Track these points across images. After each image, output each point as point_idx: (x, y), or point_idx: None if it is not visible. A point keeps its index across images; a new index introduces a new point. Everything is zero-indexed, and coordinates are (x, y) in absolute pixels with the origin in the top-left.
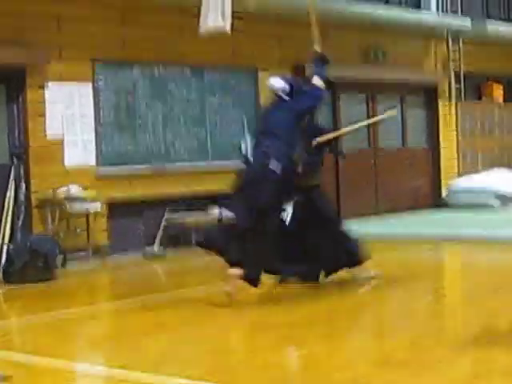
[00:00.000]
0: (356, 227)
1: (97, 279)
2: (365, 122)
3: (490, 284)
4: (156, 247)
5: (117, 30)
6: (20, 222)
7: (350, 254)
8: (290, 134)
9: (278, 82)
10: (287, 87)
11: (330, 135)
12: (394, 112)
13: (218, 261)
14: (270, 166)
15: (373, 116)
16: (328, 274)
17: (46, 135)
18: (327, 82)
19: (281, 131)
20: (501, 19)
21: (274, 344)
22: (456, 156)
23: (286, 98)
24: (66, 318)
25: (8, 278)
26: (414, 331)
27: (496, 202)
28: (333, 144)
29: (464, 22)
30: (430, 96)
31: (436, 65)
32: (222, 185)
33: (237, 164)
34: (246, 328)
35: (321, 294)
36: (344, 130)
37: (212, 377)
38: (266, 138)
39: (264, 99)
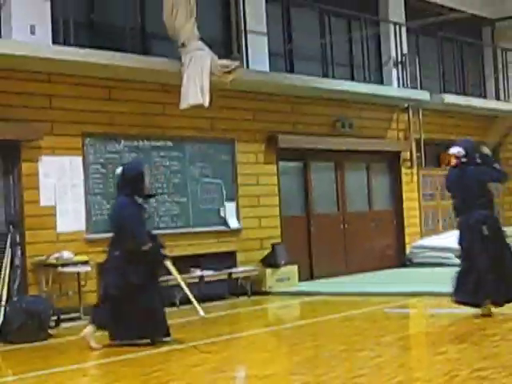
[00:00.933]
0: (327, 286)
1: None
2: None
3: (453, 335)
4: None
5: (104, 107)
6: (16, 285)
7: None
8: None
9: None
10: None
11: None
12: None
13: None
14: None
15: (340, 183)
16: None
17: (39, 205)
18: None
19: None
20: (456, 92)
21: None
22: (418, 217)
23: None
24: (59, 375)
25: (5, 337)
26: (382, 382)
27: (457, 260)
28: None
29: (423, 96)
30: (393, 163)
31: (398, 134)
32: (203, 247)
33: (216, 228)
34: (229, 380)
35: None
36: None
37: None
38: None
39: (240, 168)
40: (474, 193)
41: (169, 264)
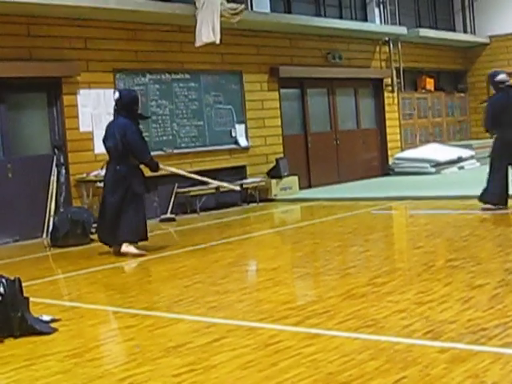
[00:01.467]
0: (323, 193)
1: None
2: (213, 182)
3: (429, 232)
4: (169, 214)
5: (131, 47)
6: (62, 199)
7: None
8: None
9: None
10: None
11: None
12: (238, 188)
13: (214, 224)
14: None
15: (333, 106)
16: None
17: (79, 130)
18: None
19: None
20: (430, 27)
21: (263, 285)
22: (399, 134)
23: None
24: (101, 272)
25: (54, 243)
26: (370, 271)
27: (432, 169)
28: None
29: (401, 30)
30: (377, 88)
31: (381, 64)
32: (217, 163)
33: (229, 147)
34: (243, 272)
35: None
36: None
37: (213, 313)
38: None
39: (247, 96)
40: None
41: (169, 168)
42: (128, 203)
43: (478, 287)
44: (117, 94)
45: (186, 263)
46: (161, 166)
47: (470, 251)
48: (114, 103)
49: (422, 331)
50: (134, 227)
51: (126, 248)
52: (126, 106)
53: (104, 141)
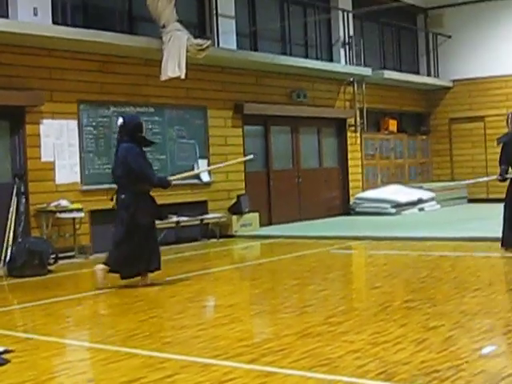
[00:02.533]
0: (284, 230)
1: (81, 273)
2: (228, 163)
3: (387, 272)
4: None
5: (96, 78)
6: (21, 228)
7: None
8: None
9: None
10: None
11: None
12: (251, 156)
13: (173, 259)
14: None
15: (296, 144)
16: None
17: (41, 160)
18: None
19: None
20: (394, 69)
21: (219, 322)
22: (360, 174)
23: None
24: (57, 304)
25: (11, 273)
26: (327, 310)
27: (392, 210)
28: None
29: (366, 71)
30: (340, 128)
31: (345, 104)
32: (178, 198)
33: (191, 181)
34: (200, 308)
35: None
36: (199, 170)
37: (168, 348)
38: None
39: (211, 131)
40: None
41: (180, 175)
42: (132, 234)
43: (432, 329)
44: (120, 120)
45: (143, 297)
46: (171, 181)
47: (427, 293)
48: (117, 129)
49: (375, 372)
50: (123, 258)
51: (100, 270)
52: (130, 132)
53: (112, 170)
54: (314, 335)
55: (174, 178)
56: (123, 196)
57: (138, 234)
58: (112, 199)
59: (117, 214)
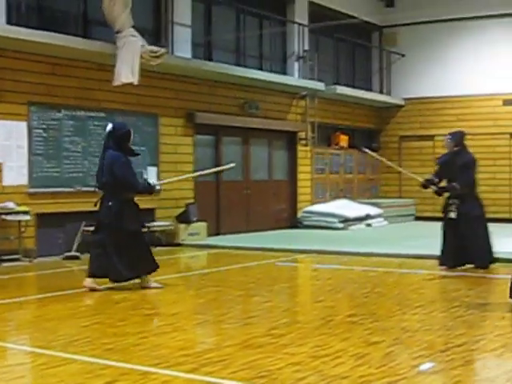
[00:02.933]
0: (231, 241)
1: (26, 276)
2: (210, 170)
3: (331, 286)
4: (73, 251)
5: (48, 80)
6: None
7: None
8: None
9: None
10: None
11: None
12: (233, 165)
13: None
14: None
15: (246, 155)
16: None
17: None
18: None
19: None
20: (347, 85)
21: (161, 330)
22: (310, 187)
23: None
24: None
25: None
26: (269, 322)
27: (340, 225)
28: None
29: (319, 86)
30: (291, 141)
31: (296, 117)
32: None
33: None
34: (143, 316)
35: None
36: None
37: (109, 355)
38: None
39: (162, 139)
40: None
41: (166, 180)
42: (124, 241)
43: (373, 344)
44: (110, 126)
45: (87, 303)
46: (156, 186)
47: (370, 308)
48: (105, 135)
49: None
50: (134, 264)
51: (90, 284)
52: (117, 140)
53: (97, 175)
54: (256, 347)
55: (160, 183)
56: (110, 203)
57: (128, 239)
58: (96, 205)
59: (100, 220)
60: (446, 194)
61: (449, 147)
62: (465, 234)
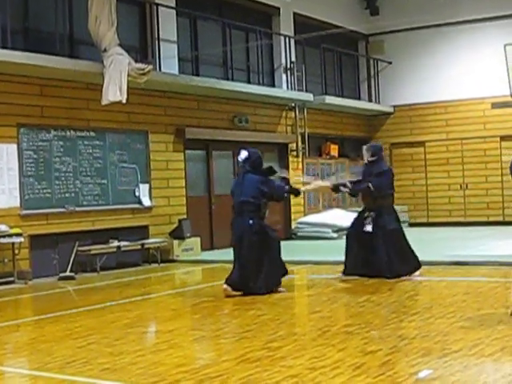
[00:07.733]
0: (225, 255)
1: (21, 298)
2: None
3: (327, 297)
4: (68, 272)
5: (36, 102)
6: None
7: None
8: None
9: None
10: None
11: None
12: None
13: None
14: None
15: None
16: None
17: None
18: None
19: None
20: (336, 94)
21: (158, 348)
22: (302, 198)
23: None
24: None
25: None
26: (266, 335)
27: (334, 234)
28: None
29: (307, 97)
30: (282, 153)
31: (286, 129)
32: (120, 222)
33: (132, 206)
34: (139, 334)
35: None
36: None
37: (106, 375)
38: None
39: (152, 155)
40: None
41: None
42: (268, 249)
43: (370, 353)
44: (245, 153)
45: (82, 323)
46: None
47: (366, 317)
48: (241, 162)
49: None
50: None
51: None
52: (254, 164)
53: (234, 196)
54: (253, 360)
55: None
56: (251, 221)
57: (272, 250)
58: (232, 224)
59: (240, 237)
60: (362, 206)
61: (365, 157)
62: (377, 248)
